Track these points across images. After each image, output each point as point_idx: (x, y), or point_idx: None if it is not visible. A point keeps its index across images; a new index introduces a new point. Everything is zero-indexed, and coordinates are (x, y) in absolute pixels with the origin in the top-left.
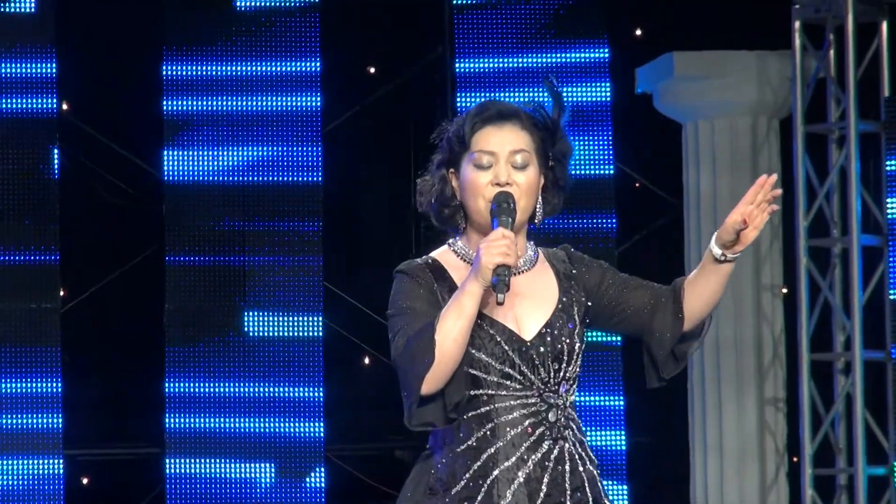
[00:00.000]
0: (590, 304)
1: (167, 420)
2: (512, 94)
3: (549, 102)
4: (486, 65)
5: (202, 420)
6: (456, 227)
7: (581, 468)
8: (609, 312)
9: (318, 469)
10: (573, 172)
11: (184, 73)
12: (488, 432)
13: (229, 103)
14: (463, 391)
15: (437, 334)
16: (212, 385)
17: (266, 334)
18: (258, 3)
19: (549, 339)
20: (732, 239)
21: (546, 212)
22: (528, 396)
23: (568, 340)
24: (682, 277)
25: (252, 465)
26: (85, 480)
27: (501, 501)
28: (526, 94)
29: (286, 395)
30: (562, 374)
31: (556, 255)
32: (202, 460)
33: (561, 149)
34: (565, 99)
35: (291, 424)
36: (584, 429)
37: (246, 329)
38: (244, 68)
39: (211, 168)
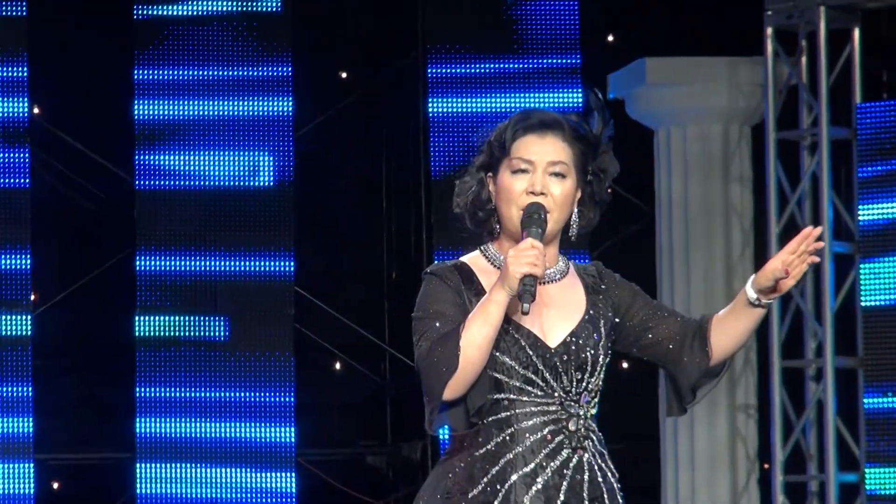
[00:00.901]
0: (617, 320)
1: (138, 425)
2: (484, 100)
3: (594, 115)
4: (458, 70)
5: (173, 425)
6: (490, 231)
7: (601, 479)
8: (634, 336)
9: (288, 474)
10: None
11: (155, 77)
12: (507, 437)
13: (201, 108)
14: (486, 396)
15: (462, 341)
16: (183, 390)
17: (237, 339)
18: (230, 7)
19: (573, 347)
20: (770, 286)
21: (581, 225)
22: (548, 404)
23: (592, 351)
24: (710, 313)
25: (223, 469)
26: (56, 485)
27: None
28: (498, 101)
29: (257, 399)
30: (584, 384)
31: (586, 270)
32: (173, 465)
33: (601, 164)
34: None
35: (262, 429)
36: (603, 441)
37: (217, 333)
38: (216, 73)
39: (182, 172)
